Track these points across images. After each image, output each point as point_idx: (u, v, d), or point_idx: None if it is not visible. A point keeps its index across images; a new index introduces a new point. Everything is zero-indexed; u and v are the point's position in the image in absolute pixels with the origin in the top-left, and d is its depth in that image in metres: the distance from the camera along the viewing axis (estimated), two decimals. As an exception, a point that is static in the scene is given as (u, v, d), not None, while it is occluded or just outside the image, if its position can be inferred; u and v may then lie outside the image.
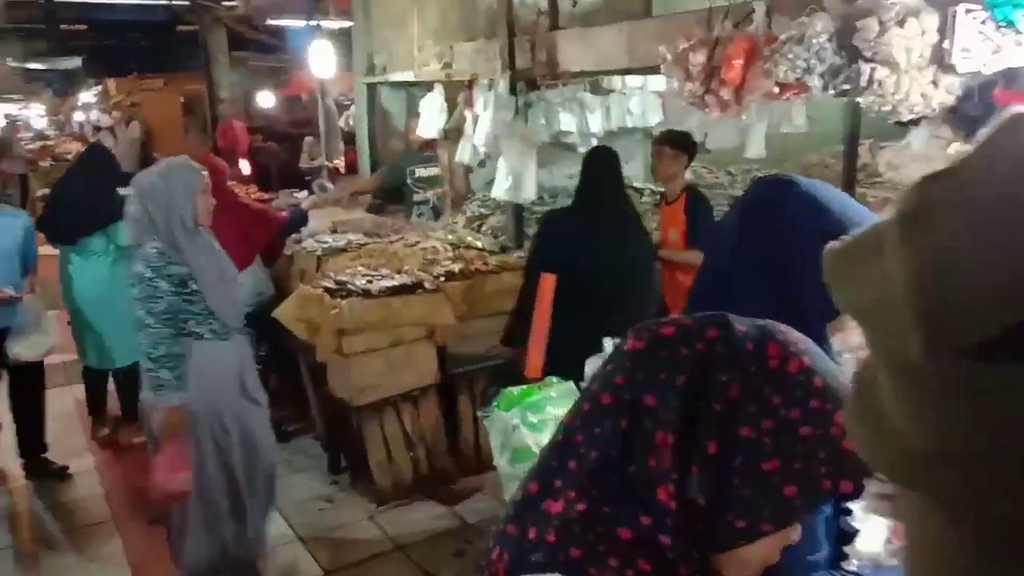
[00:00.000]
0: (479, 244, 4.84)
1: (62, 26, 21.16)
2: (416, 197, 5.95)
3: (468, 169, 5.98)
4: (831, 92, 2.82)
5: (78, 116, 19.28)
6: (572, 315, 3.35)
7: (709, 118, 5.42)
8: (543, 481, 0.89)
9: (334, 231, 5.50)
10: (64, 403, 5.70)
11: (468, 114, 5.55)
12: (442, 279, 4.19)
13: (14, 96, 24.86)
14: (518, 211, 4.95)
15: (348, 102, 9.85)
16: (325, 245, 4.86)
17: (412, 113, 6.53)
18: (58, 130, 20.07)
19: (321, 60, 7.77)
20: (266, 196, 7.26)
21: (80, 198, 4.71)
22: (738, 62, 2.87)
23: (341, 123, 8.68)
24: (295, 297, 4.07)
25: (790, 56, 2.72)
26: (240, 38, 11.11)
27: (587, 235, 3.40)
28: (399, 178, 6.03)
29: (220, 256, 3.20)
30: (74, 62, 17.77)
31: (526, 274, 3.62)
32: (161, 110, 14.37)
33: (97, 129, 16.94)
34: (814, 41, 2.68)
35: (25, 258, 4.42)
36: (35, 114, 23.15)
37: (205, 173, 3.19)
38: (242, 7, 9.34)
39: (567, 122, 5.46)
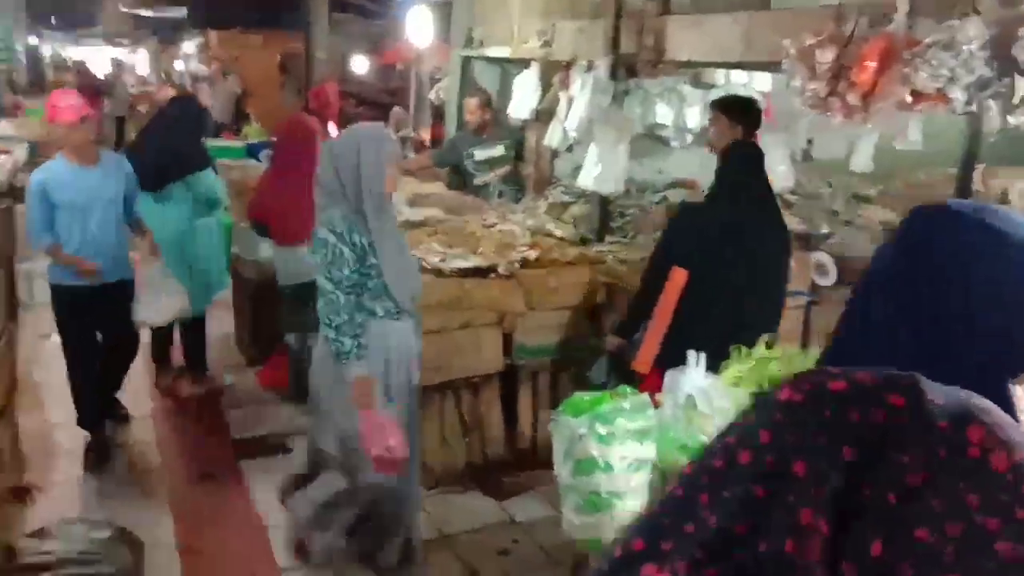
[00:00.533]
0: (558, 232, 4.64)
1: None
2: (476, 180, 5.72)
3: (553, 153, 5.77)
4: (972, 107, 2.52)
5: (178, 65, 19.72)
6: (696, 311, 3.19)
7: (817, 124, 5.11)
8: (649, 540, 0.70)
9: (412, 203, 5.37)
10: (131, 345, 5.75)
11: (562, 96, 5.33)
12: (516, 265, 4.01)
13: (123, 41, 25.66)
14: (603, 202, 4.72)
15: (438, 78, 9.74)
16: (402, 218, 4.72)
17: (503, 91, 6.34)
18: (160, 77, 20.57)
19: (419, 28, 7.65)
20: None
21: (162, 145, 4.68)
22: (871, 64, 2.59)
23: (431, 95, 8.54)
24: (366, 267, 3.94)
25: (933, 63, 2.43)
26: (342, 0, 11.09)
27: (729, 230, 3.22)
28: (452, 160, 5.82)
29: (399, 232, 3.09)
30: (180, 11, 18.13)
31: (652, 264, 3.41)
32: (259, 66, 14.53)
33: (195, 79, 17.33)
34: (964, 48, 2.38)
35: (130, 205, 4.22)
36: (140, 59, 23.78)
37: (397, 142, 3.04)
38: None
39: (663, 114, 5.20)
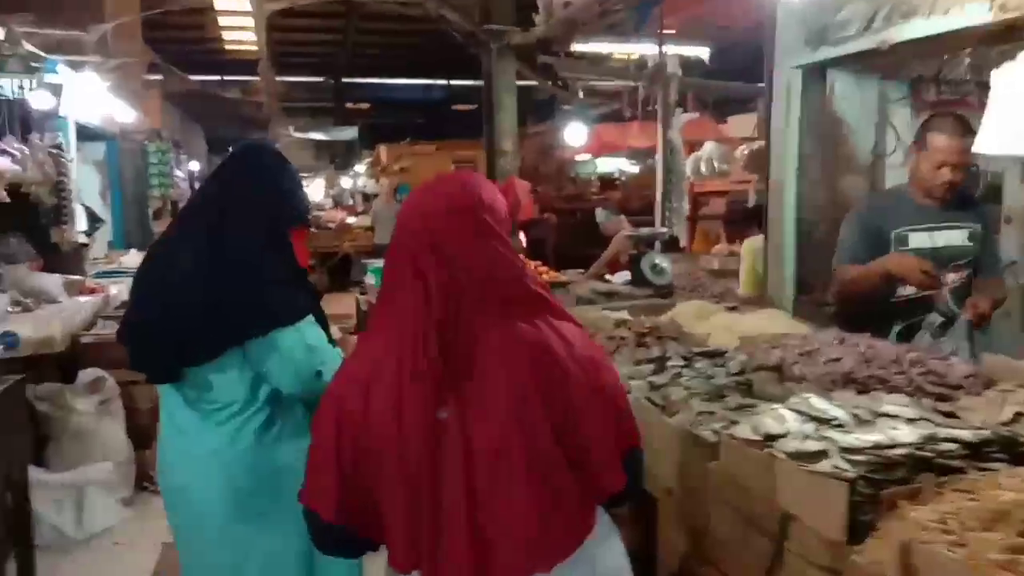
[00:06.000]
0: None
1: (347, 104, 20.57)
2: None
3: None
4: None
5: (345, 183, 18.07)
6: None
7: None
8: None
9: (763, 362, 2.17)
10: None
11: None
12: None
13: (304, 173, 24.88)
14: None
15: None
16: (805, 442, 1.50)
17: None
18: (333, 201, 19.01)
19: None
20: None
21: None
22: None
23: (687, 168, 5.42)
24: None
25: None
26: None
27: None
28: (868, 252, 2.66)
29: None
30: (351, 132, 16.55)
31: None
32: (431, 176, 12.27)
33: (365, 197, 15.33)
34: None
35: None
36: (316, 187, 22.67)
37: None
38: (543, 26, 6.54)
39: None
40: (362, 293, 6.38)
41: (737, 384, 2.14)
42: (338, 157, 21.48)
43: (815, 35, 2.97)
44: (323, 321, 1.94)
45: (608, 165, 15.13)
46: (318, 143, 19.76)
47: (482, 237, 1.34)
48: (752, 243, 4.27)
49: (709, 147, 5.42)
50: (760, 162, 4.79)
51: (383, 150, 13.77)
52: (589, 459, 1.29)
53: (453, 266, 1.31)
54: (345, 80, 19.48)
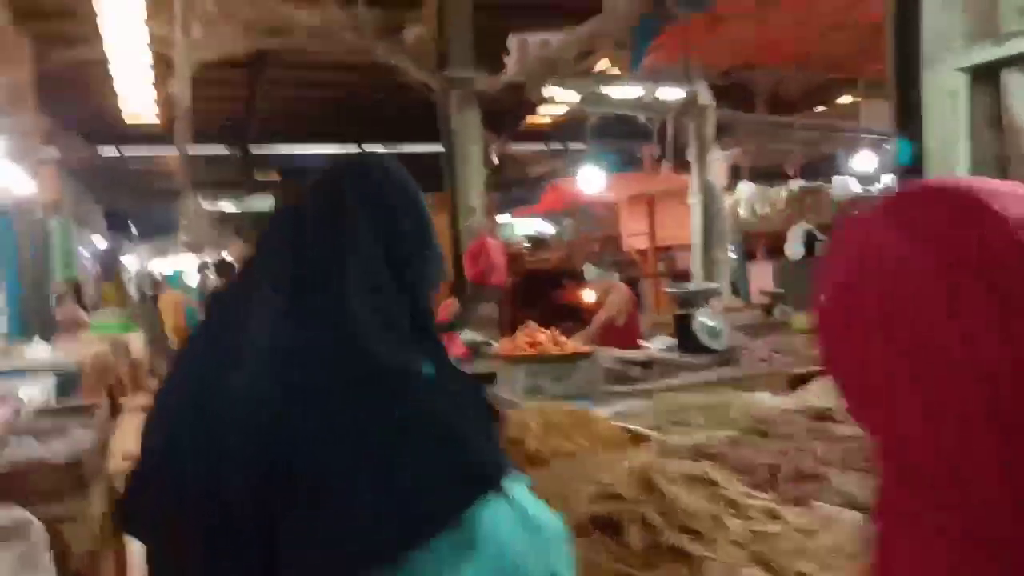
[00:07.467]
0: None
1: (255, 174, 19.52)
2: None
3: None
4: None
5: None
6: None
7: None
8: None
9: None
10: None
11: None
12: None
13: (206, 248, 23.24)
14: None
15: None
16: None
17: None
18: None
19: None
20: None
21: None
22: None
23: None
24: None
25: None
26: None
27: None
28: None
29: None
30: (266, 202, 15.56)
31: None
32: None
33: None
34: None
35: None
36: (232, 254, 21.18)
37: None
38: (514, 67, 5.88)
39: None
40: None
41: None
42: (244, 229, 20.20)
43: (983, 28, 2.38)
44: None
45: (525, 227, 14.70)
46: (221, 215, 18.55)
47: None
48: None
49: (744, 188, 4.82)
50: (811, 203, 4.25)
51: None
52: None
53: None
54: (253, 151, 18.46)
